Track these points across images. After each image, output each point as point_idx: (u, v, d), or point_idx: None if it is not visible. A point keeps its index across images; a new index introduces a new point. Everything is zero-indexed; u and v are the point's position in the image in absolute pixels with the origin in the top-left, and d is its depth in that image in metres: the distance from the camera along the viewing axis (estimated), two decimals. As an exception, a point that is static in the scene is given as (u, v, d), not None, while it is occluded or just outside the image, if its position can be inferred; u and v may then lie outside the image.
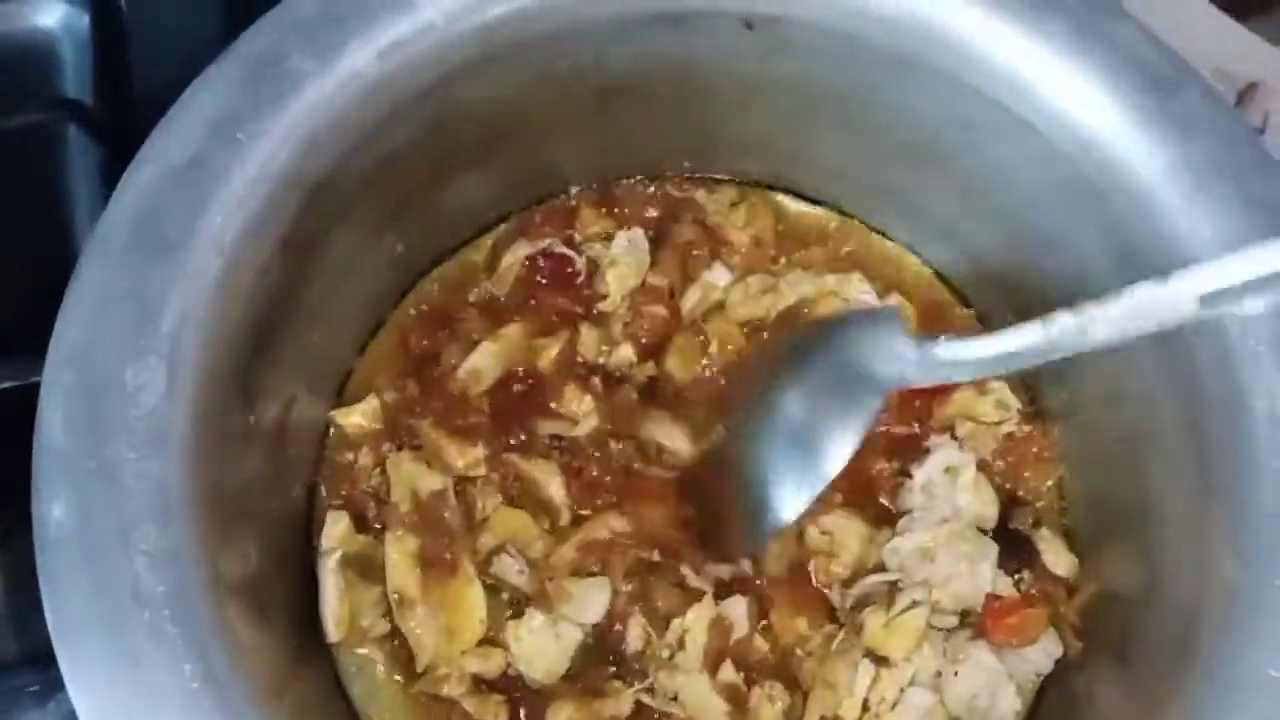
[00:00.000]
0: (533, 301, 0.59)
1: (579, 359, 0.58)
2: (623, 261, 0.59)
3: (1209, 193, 0.45)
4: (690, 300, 0.59)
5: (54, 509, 0.38)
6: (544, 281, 0.59)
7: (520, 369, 0.57)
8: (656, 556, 0.53)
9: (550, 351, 0.57)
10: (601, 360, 0.58)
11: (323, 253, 0.49)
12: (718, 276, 0.59)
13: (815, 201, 0.63)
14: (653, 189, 0.62)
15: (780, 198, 0.63)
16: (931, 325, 0.60)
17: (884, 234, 0.63)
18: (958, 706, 0.52)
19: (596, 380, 0.57)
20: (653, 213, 0.62)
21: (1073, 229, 0.50)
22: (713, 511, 0.54)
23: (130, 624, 0.37)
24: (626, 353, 0.58)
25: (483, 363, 0.56)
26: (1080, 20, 0.47)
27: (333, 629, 0.51)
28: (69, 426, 0.39)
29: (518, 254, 0.60)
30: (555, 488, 0.54)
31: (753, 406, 0.52)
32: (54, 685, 0.55)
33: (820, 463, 0.47)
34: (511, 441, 0.55)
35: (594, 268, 0.60)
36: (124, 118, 0.66)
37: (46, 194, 0.66)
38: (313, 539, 0.53)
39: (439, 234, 0.59)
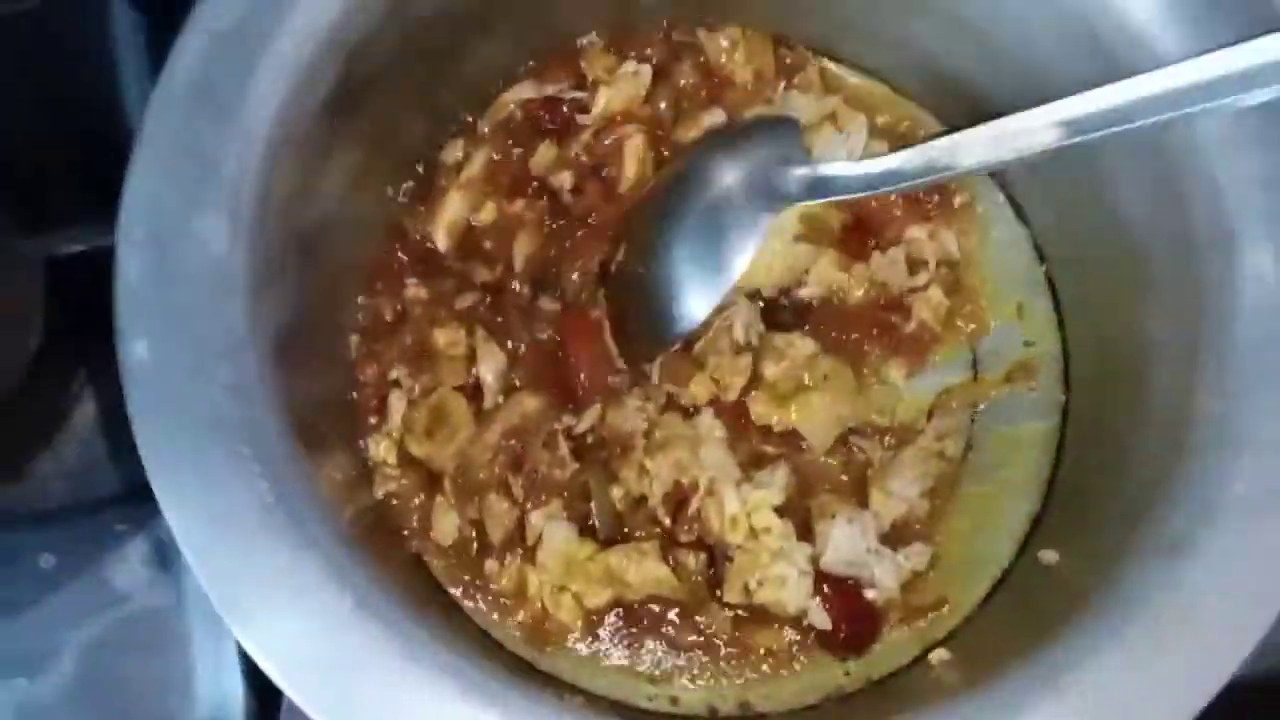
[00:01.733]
0: (511, 143, 0.62)
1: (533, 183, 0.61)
2: (618, 85, 0.61)
3: (1200, 33, 0.47)
4: (688, 136, 0.61)
5: (136, 348, 0.42)
6: (523, 123, 0.61)
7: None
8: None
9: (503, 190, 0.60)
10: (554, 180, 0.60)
11: (361, 117, 0.52)
12: (716, 117, 0.61)
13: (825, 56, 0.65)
14: (659, 34, 0.64)
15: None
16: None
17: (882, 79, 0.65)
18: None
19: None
20: (657, 55, 0.63)
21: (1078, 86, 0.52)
22: (626, 317, 0.58)
23: (211, 449, 0.42)
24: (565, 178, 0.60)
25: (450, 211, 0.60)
26: None
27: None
28: (144, 274, 0.43)
29: (519, 94, 0.62)
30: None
31: (660, 217, 0.56)
32: (142, 521, 0.62)
33: (721, 272, 0.53)
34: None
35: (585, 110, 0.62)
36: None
37: (95, 66, 0.68)
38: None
39: (468, 100, 0.61)
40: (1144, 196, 0.52)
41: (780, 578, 0.55)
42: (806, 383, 0.58)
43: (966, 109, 0.61)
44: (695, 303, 0.55)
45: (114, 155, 0.65)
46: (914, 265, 0.62)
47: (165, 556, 0.62)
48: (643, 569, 0.54)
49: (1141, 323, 0.54)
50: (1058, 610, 0.47)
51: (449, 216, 0.60)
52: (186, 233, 0.43)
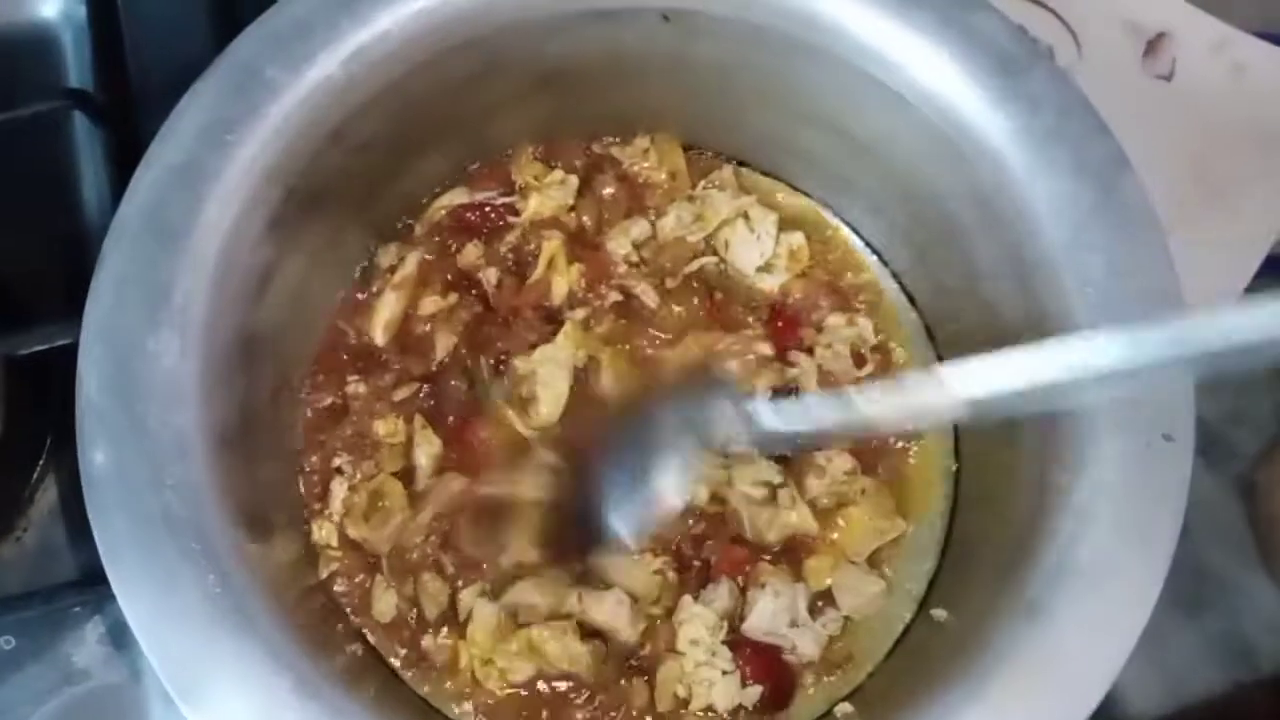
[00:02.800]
0: (449, 244, 0.66)
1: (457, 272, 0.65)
2: (547, 192, 0.66)
3: (1049, 156, 0.53)
4: (619, 245, 0.67)
5: (96, 455, 0.47)
6: (454, 226, 0.66)
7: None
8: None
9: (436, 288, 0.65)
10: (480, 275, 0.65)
11: (302, 233, 0.57)
12: (639, 227, 0.67)
13: (734, 161, 0.71)
14: (583, 146, 0.69)
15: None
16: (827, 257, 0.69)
17: (794, 187, 0.71)
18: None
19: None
20: (580, 165, 0.69)
21: (945, 185, 0.59)
22: (558, 515, 0.60)
23: (163, 546, 0.46)
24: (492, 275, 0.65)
25: (386, 311, 0.65)
26: (944, 13, 0.55)
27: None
28: (103, 388, 0.48)
29: (452, 200, 0.67)
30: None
31: (609, 441, 0.59)
32: (99, 603, 0.65)
33: (651, 505, 0.55)
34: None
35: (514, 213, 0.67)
36: (123, 102, 0.73)
37: (56, 175, 0.73)
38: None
39: (405, 209, 0.67)
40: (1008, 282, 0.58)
41: (707, 681, 0.58)
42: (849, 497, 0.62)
43: (864, 208, 0.68)
44: (621, 528, 0.56)
45: (74, 259, 0.70)
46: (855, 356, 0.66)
47: (121, 636, 0.65)
48: (563, 644, 0.58)
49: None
50: (945, 666, 0.52)
51: (385, 315, 0.64)
52: (141, 350, 0.48)
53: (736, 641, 0.60)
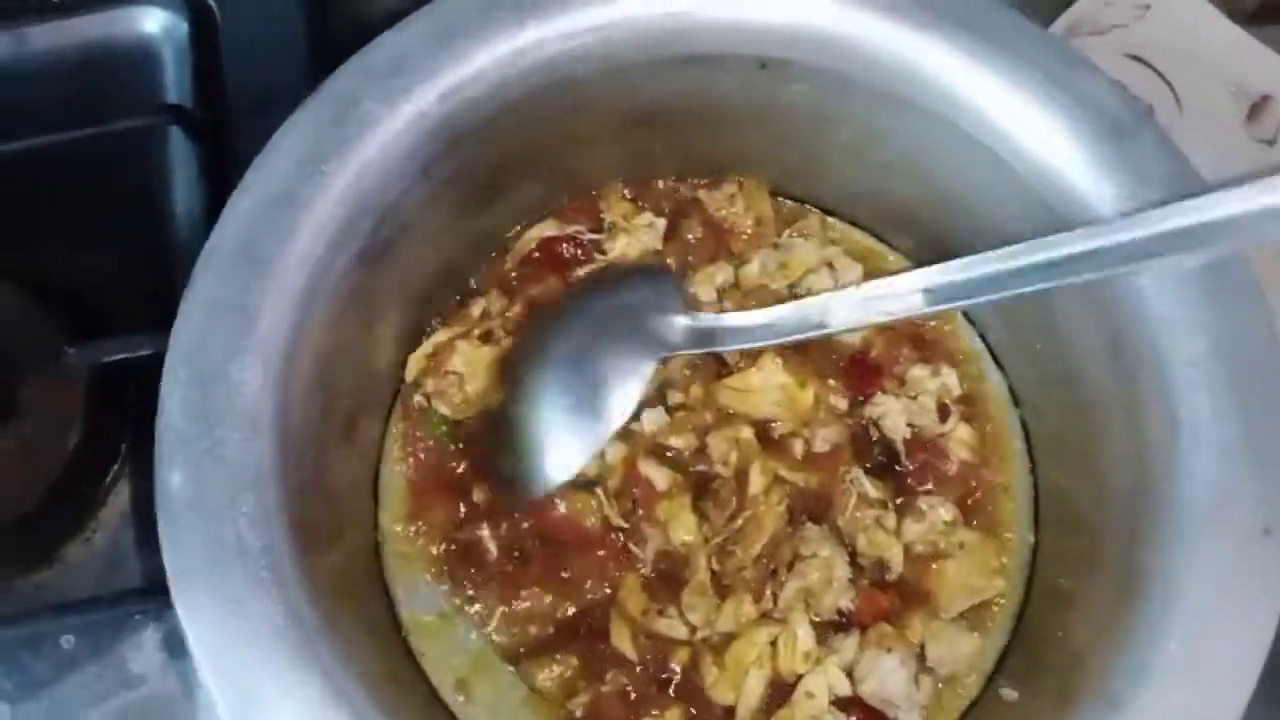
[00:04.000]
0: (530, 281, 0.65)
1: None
2: (636, 234, 0.66)
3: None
4: (703, 290, 0.65)
5: (173, 477, 0.47)
6: (539, 264, 0.65)
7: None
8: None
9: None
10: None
11: (391, 261, 0.57)
12: (724, 273, 0.66)
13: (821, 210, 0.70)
14: (671, 188, 0.69)
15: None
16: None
17: (881, 239, 0.70)
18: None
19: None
20: (668, 208, 0.68)
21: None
22: (499, 461, 0.58)
23: (233, 572, 0.46)
24: None
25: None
26: (1052, 73, 0.53)
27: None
28: (184, 412, 0.48)
29: (542, 232, 0.67)
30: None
31: (537, 363, 0.57)
32: (159, 611, 0.66)
33: (599, 424, 0.53)
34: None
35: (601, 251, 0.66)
36: (218, 118, 0.74)
37: (150, 188, 0.74)
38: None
39: (492, 238, 0.67)
40: (1098, 351, 0.56)
41: None
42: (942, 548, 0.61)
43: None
44: (571, 452, 0.55)
45: (161, 272, 0.71)
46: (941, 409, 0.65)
47: (178, 645, 0.66)
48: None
49: (1101, 471, 0.57)
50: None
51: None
52: (224, 376, 0.48)
53: (844, 701, 0.59)
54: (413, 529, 0.62)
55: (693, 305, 0.61)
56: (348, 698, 0.46)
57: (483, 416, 0.61)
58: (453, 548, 0.61)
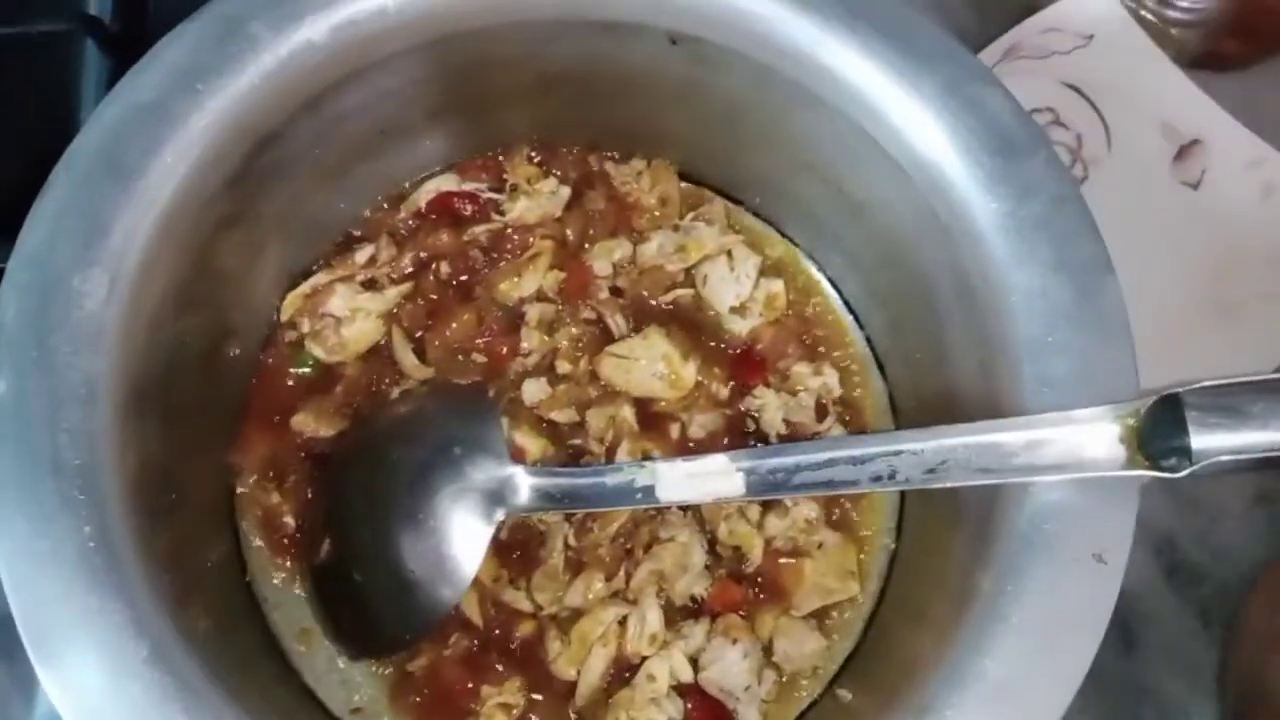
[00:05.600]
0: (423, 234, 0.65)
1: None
2: (537, 199, 0.65)
3: (1032, 248, 0.51)
4: (600, 264, 0.65)
5: (-1, 383, 0.46)
6: (434, 217, 0.65)
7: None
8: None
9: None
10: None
11: (271, 194, 0.56)
12: (622, 248, 0.66)
13: (728, 198, 0.70)
14: (580, 156, 0.68)
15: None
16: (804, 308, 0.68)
17: (782, 233, 0.70)
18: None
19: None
20: (574, 176, 0.67)
21: (927, 258, 0.57)
22: (341, 618, 0.58)
23: (45, 487, 0.45)
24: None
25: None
26: (953, 84, 0.53)
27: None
28: (19, 317, 0.46)
29: (441, 185, 0.66)
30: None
31: (371, 519, 0.56)
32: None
33: (448, 590, 0.54)
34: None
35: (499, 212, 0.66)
36: (137, 39, 0.72)
37: (60, 98, 0.71)
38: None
39: (387, 185, 0.66)
40: (971, 371, 0.56)
41: None
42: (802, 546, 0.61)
43: (847, 266, 0.66)
44: (421, 618, 0.55)
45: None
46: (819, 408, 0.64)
47: None
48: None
49: (959, 492, 0.56)
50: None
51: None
52: (65, 286, 0.47)
53: (685, 688, 0.59)
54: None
55: (516, 454, 0.60)
56: (151, 630, 0.44)
57: (313, 570, 0.60)
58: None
